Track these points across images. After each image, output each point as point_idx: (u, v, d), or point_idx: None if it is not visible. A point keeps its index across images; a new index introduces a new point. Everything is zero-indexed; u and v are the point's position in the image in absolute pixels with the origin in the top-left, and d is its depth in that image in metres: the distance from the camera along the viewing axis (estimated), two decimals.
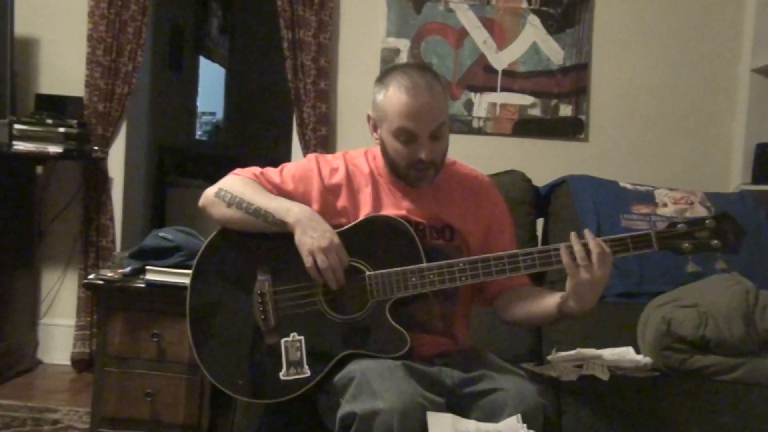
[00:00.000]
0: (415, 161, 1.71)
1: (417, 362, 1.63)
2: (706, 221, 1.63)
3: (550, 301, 1.70)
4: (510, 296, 1.81)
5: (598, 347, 2.25)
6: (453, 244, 1.78)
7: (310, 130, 3.38)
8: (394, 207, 1.77)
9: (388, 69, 1.79)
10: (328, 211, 1.76)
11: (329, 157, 1.85)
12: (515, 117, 3.45)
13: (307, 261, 1.66)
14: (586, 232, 1.62)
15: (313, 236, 1.66)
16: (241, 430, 1.93)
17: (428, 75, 1.71)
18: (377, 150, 1.82)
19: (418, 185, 1.76)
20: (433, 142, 1.70)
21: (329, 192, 1.78)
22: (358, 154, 1.86)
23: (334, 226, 1.73)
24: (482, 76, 3.44)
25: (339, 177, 1.79)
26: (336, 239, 1.67)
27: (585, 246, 1.60)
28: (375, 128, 1.78)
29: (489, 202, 1.87)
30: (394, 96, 1.68)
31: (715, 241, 1.62)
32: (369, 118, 1.79)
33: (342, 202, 1.77)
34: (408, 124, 1.67)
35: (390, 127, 1.71)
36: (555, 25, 3.42)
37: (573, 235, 1.62)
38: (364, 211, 1.76)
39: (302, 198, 1.76)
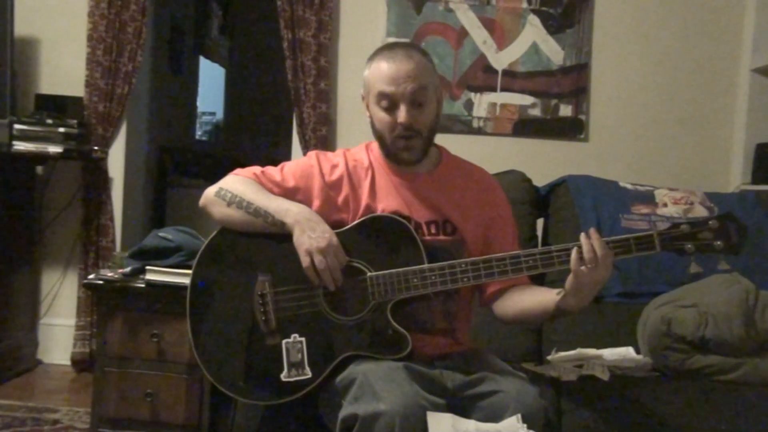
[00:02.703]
0: (396, 127, 1.71)
1: (418, 363, 1.64)
2: (709, 222, 1.62)
3: (548, 298, 1.71)
4: (508, 295, 1.82)
5: (598, 347, 2.25)
6: (454, 239, 1.77)
7: (310, 130, 3.38)
8: (393, 198, 1.77)
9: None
10: (329, 207, 1.76)
11: (330, 154, 1.85)
12: (515, 117, 3.45)
13: (305, 261, 1.66)
14: (592, 232, 1.61)
15: (311, 236, 1.66)
16: (241, 430, 1.93)
17: (410, 47, 1.78)
18: (376, 143, 1.82)
19: (405, 157, 1.75)
20: (413, 109, 1.71)
21: (330, 188, 1.78)
22: (358, 150, 1.86)
23: (337, 222, 1.73)
24: (482, 76, 3.44)
25: (339, 172, 1.79)
26: (334, 240, 1.67)
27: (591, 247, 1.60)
28: (367, 106, 1.80)
29: (491, 198, 1.87)
30: (375, 66, 1.74)
31: (718, 242, 1.61)
32: (362, 97, 1.82)
33: (343, 197, 1.77)
34: (386, 88, 1.70)
35: (373, 96, 1.74)
36: (555, 25, 3.42)
37: (583, 236, 1.61)
38: (364, 203, 1.76)
39: (304, 195, 1.77)
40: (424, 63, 1.74)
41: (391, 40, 3.40)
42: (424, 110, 1.73)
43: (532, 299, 1.76)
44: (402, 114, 1.70)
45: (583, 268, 1.58)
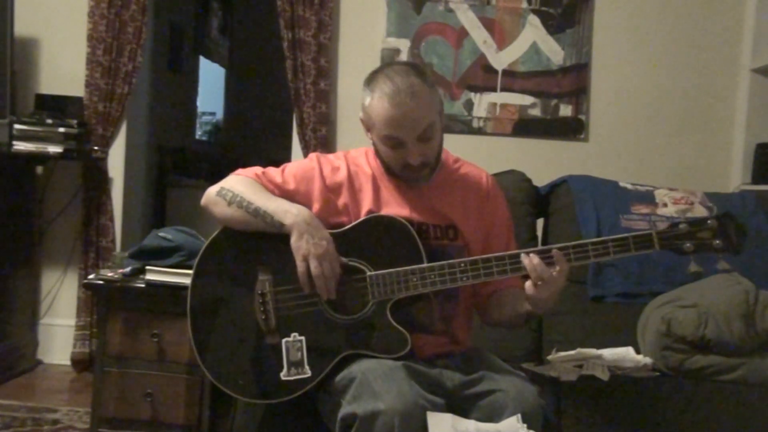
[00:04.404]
0: (405, 165, 1.71)
1: (418, 363, 1.64)
2: (708, 221, 1.62)
3: (520, 302, 1.72)
4: (497, 298, 1.83)
5: (598, 347, 2.25)
6: (456, 244, 1.78)
7: (310, 130, 3.38)
8: (397, 205, 1.77)
9: (374, 71, 1.76)
10: (329, 210, 1.76)
11: (331, 156, 1.85)
12: (515, 117, 3.45)
13: (300, 267, 1.66)
14: (531, 255, 1.62)
15: (309, 242, 1.66)
16: (241, 430, 1.93)
17: (412, 76, 1.68)
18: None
19: (415, 184, 1.77)
20: (422, 144, 1.69)
21: (331, 191, 1.78)
22: (359, 154, 1.86)
23: (336, 225, 1.73)
24: (482, 76, 3.44)
25: (341, 176, 1.79)
26: (332, 248, 1.67)
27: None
28: (368, 129, 1.78)
29: (492, 203, 1.87)
30: (378, 104, 1.68)
31: (717, 242, 1.61)
32: (362, 120, 1.79)
33: (343, 200, 1.77)
34: (393, 132, 1.68)
35: (378, 133, 1.72)
36: (555, 25, 3.42)
37: (524, 256, 1.62)
38: (366, 209, 1.76)
39: (304, 197, 1.77)
40: (427, 96, 1.68)
41: (391, 40, 3.41)
42: (431, 143, 1.71)
43: (510, 305, 1.77)
44: (412, 157, 1.69)
45: (532, 290, 1.61)
